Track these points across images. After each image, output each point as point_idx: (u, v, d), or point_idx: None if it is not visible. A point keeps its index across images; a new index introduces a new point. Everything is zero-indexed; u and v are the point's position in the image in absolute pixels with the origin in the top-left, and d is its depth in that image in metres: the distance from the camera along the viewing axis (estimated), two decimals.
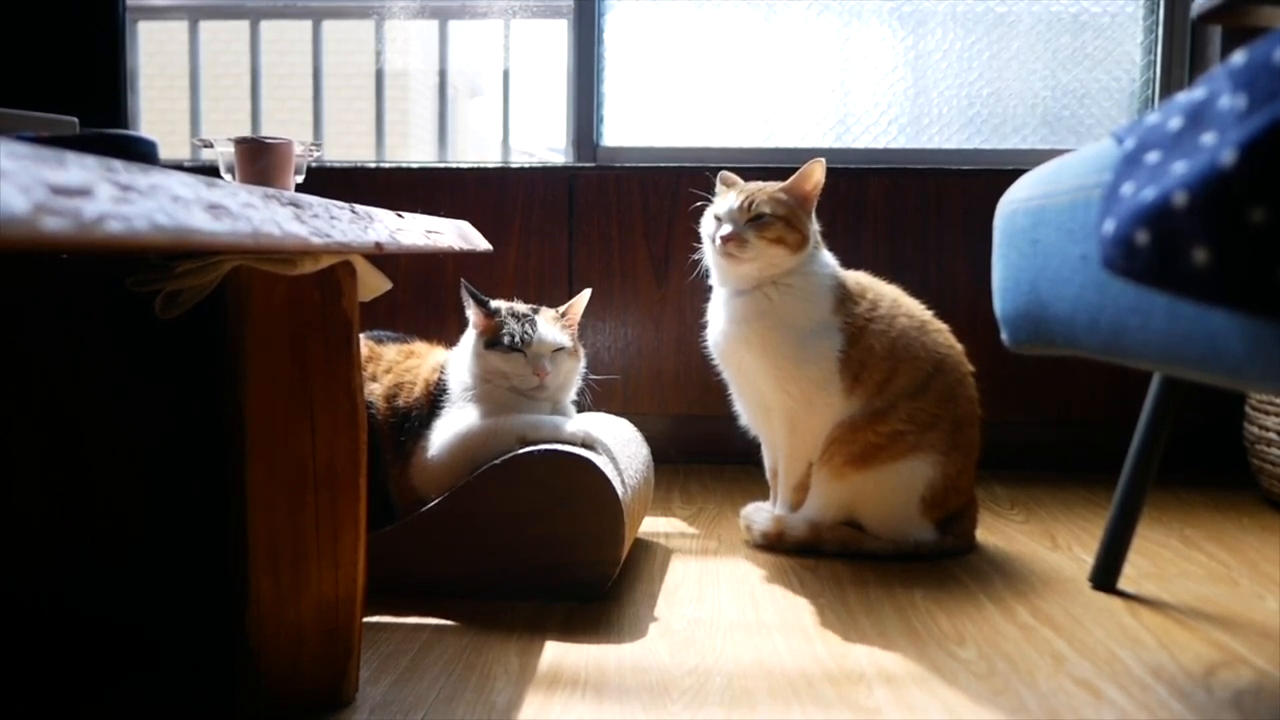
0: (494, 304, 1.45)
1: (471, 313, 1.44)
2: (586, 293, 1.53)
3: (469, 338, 1.45)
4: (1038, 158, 1.44)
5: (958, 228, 2.20)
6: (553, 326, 1.44)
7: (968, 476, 1.53)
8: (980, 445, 1.57)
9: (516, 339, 1.39)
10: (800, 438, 1.53)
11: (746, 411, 1.64)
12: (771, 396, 1.53)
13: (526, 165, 2.31)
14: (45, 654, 0.98)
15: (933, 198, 2.21)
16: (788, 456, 1.55)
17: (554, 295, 1.57)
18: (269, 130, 2.49)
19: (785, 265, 1.51)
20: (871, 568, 1.45)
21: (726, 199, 1.53)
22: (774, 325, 1.50)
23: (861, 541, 1.50)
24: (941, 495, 1.49)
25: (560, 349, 1.43)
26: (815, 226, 1.56)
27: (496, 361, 1.40)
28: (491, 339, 1.41)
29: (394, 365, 1.49)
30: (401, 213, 0.97)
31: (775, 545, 1.54)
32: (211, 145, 1.36)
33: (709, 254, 1.57)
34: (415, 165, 2.31)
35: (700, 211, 1.60)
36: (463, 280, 1.44)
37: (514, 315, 1.43)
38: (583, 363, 1.51)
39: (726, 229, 1.49)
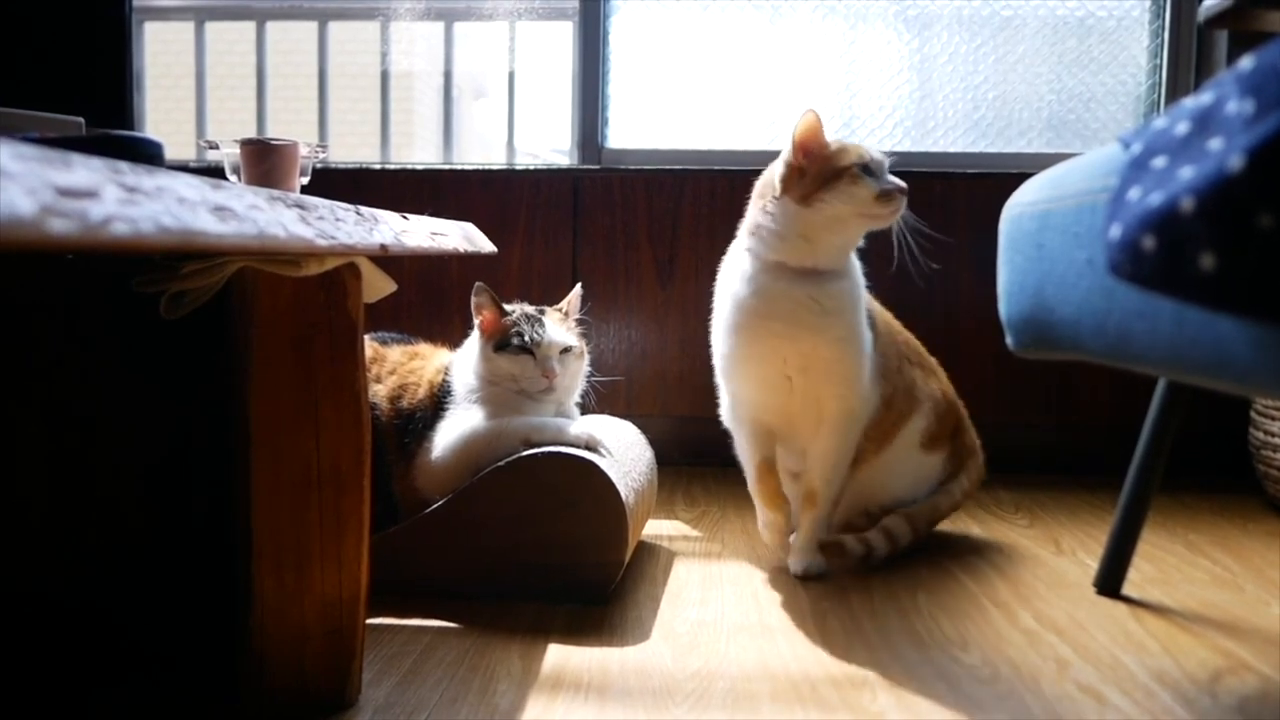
0: (508, 307, 1.45)
1: (482, 315, 1.44)
2: (578, 288, 1.54)
3: (475, 340, 1.45)
4: (1043, 161, 1.43)
5: (962, 231, 2.20)
6: (560, 327, 1.45)
7: (947, 387, 1.57)
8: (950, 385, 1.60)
9: (527, 340, 1.40)
10: (852, 442, 1.41)
11: (787, 425, 1.44)
12: (835, 394, 1.37)
13: (531, 167, 2.31)
14: (48, 653, 0.98)
15: (937, 201, 2.20)
16: (837, 466, 1.41)
17: (558, 297, 1.56)
18: (274, 131, 2.50)
19: None
20: (874, 570, 1.45)
21: (865, 151, 1.34)
22: (850, 307, 1.36)
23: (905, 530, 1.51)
24: (937, 426, 1.53)
25: (568, 349, 1.43)
26: None
27: (505, 364, 1.40)
28: (501, 341, 1.41)
29: (398, 366, 1.49)
30: (406, 214, 0.97)
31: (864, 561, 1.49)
32: (217, 146, 1.36)
33: (834, 219, 1.32)
34: (420, 167, 2.31)
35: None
36: (480, 284, 1.44)
37: (525, 317, 1.43)
38: (587, 363, 1.51)
39: (898, 181, 1.32)
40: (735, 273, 1.40)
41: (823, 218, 1.32)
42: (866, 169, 1.32)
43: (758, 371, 1.40)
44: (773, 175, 1.38)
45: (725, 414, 1.52)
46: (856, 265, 1.42)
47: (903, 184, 1.32)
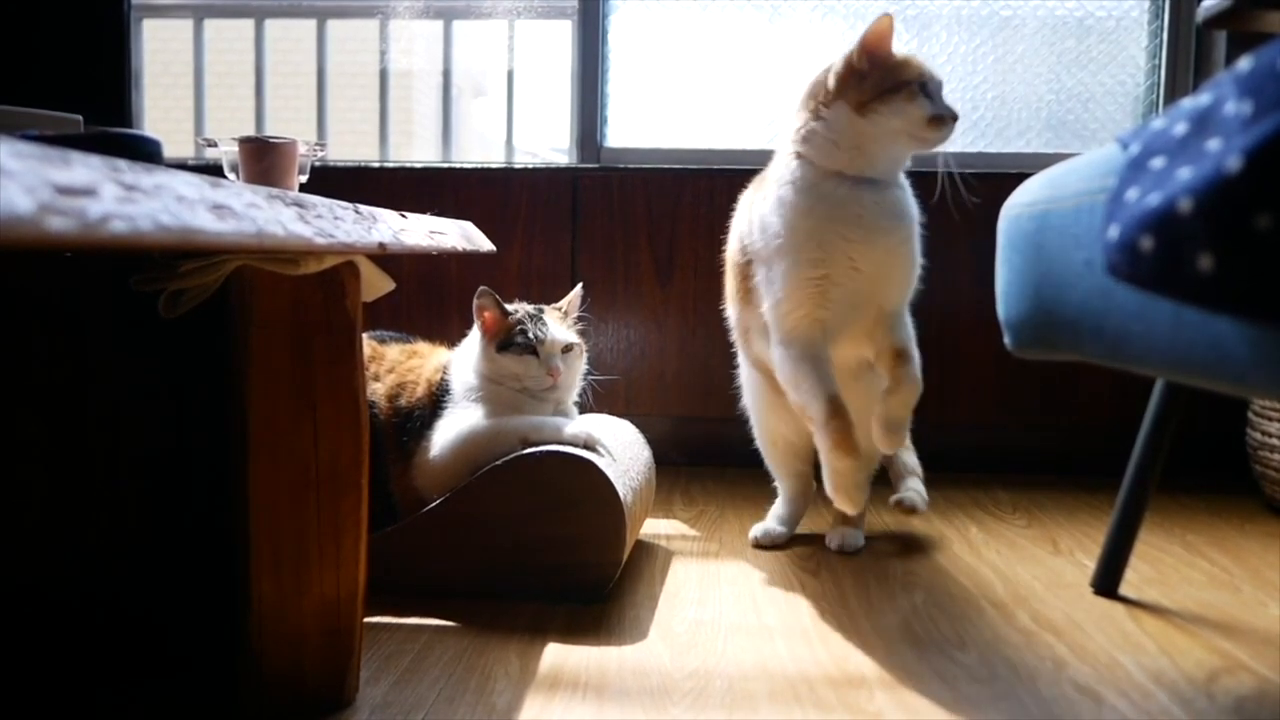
0: (510, 307, 1.45)
1: (485, 316, 1.44)
2: (578, 288, 1.54)
3: (475, 340, 1.45)
4: (1042, 161, 1.43)
5: (961, 230, 2.20)
6: (561, 325, 1.45)
7: None
8: None
9: (531, 338, 1.40)
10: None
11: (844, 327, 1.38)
12: (896, 298, 1.38)
13: (530, 166, 2.31)
14: (48, 653, 0.98)
15: (936, 200, 2.20)
16: (908, 325, 1.44)
17: (557, 296, 1.57)
18: (273, 129, 2.50)
19: None
20: (872, 570, 1.45)
21: (927, 69, 1.30)
22: (913, 214, 1.39)
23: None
24: None
25: (570, 348, 1.44)
26: None
27: (509, 364, 1.40)
28: (504, 341, 1.41)
29: (397, 365, 1.49)
30: (405, 213, 0.97)
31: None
32: (216, 144, 1.36)
33: (886, 133, 1.29)
34: (419, 165, 2.31)
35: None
36: (484, 287, 1.44)
37: (528, 317, 1.44)
38: (585, 361, 1.51)
39: (952, 107, 1.29)
40: (788, 182, 1.33)
41: (876, 130, 1.28)
42: (925, 88, 1.28)
43: (826, 278, 1.32)
44: (825, 77, 1.33)
45: (780, 354, 1.36)
46: (907, 182, 1.41)
47: (955, 111, 1.29)
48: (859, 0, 2.33)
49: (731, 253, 1.53)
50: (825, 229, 1.31)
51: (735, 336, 1.60)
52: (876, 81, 1.28)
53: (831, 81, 1.31)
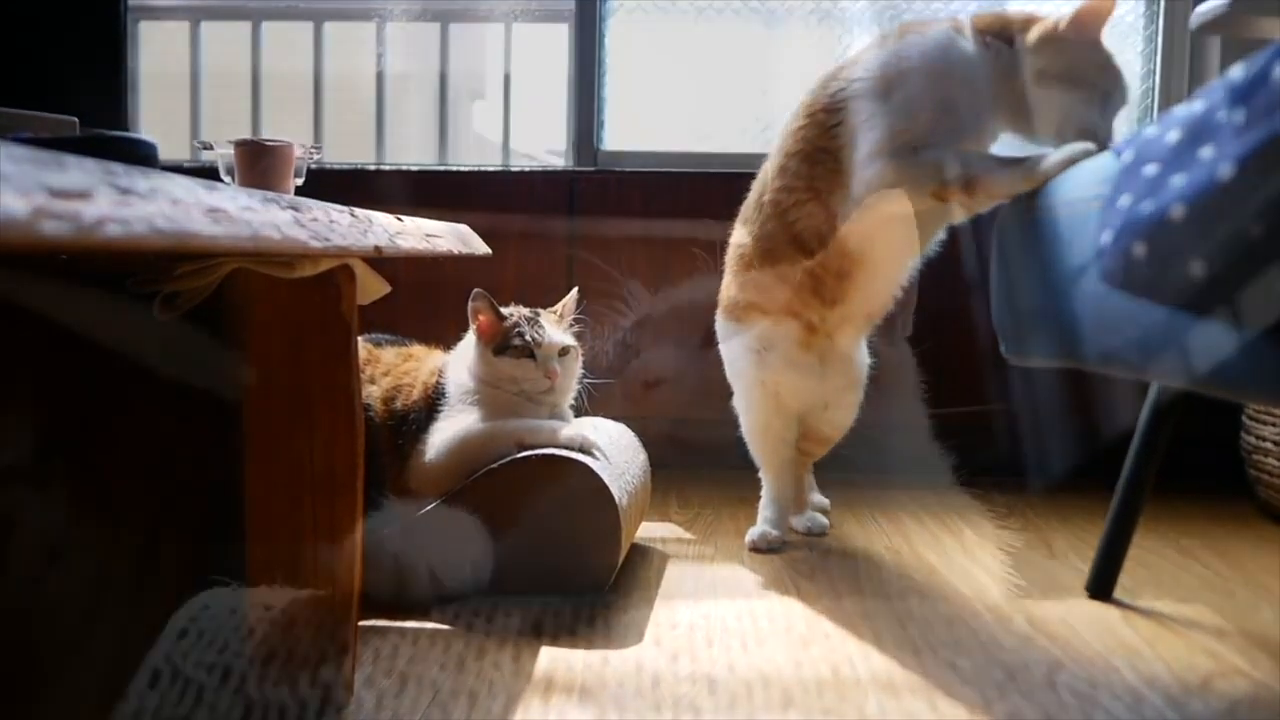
0: (505, 310, 1.45)
1: (480, 320, 1.44)
2: (574, 292, 1.54)
3: (471, 344, 1.45)
4: None
5: (955, 236, 2.21)
6: (557, 328, 1.45)
7: None
8: None
9: (528, 340, 1.40)
10: None
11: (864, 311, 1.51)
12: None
13: (527, 169, 2.31)
14: (44, 655, 0.98)
15: None
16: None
17: (554, 299, 1.57)
18: (269, 132, 2.50)
19: None
20: (867, 574, 1.45)
21: (1121, 77, 1.16)
22: None
23: None
24: None
25: (567, 349, 1.44)
26: None
27: (507, 367, 1.40)
28: (501, 344, 1.41)
29: (392, 368, 1.49)
30: (401, 216, 0.97)
31: None
32: (212, 147, 1.36)
33: (1039, 113, 1.17)
34: (415, 168, 2.31)
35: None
36: (478, 290, 1.44)
37: (524, 319, 1.44)
38: (580, 363, 1.51)
39: (1107, 135, 1.14)
40: (956, 37, 1.23)
41: (1033, 101, 1.16)
42: (1107, 99, 1.12)
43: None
44: (1025, 15, 1.20)
45: (904, 159, 1.25)
46: None
47: (1110, 141, 1.10)
48: (856, 4, 2.34)
49: (793, 132, 1.47)
50: (968, 98, 1.21)
51: (737, 285, 1.56)
52: (1070, 61, 1.13)
53: (1034, 34, 1.17)
